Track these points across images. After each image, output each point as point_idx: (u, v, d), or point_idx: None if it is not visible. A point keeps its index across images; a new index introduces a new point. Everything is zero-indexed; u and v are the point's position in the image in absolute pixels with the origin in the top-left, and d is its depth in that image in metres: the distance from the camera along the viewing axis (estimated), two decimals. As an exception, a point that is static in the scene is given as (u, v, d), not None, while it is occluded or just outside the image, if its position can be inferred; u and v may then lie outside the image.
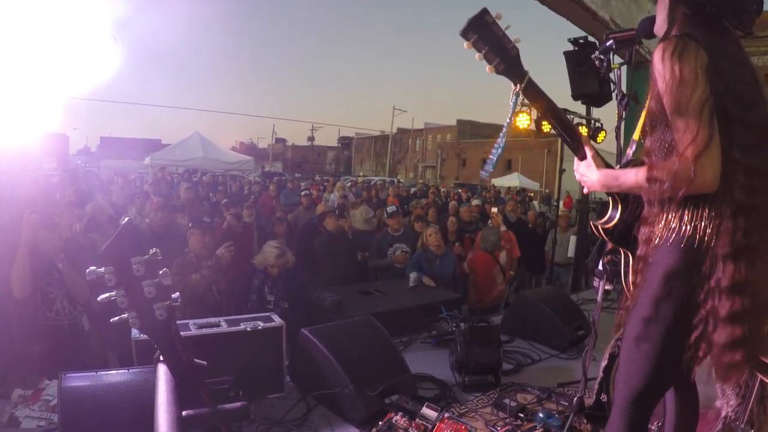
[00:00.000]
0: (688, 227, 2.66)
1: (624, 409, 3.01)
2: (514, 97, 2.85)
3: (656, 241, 2.82)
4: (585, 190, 3.23)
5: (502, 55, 2.71)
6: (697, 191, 2.56)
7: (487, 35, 2.66)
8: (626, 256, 3.25)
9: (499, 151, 3.19)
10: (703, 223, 2.62)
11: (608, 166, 3.04)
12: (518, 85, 2.82)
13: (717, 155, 2.51)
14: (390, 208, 10.50)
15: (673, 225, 2.72)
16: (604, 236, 3.27)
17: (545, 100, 2.95)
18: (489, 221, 11.91)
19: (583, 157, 3.06)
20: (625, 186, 2.85)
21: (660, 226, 2.80)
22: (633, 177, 2.78)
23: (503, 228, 11.49)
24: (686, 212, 2.68)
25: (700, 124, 2.50)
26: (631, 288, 3.14)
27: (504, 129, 3.21)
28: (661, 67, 2.63)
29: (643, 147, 3.04)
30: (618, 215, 3.13)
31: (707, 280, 2.60)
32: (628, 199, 3.11)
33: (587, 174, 3.03)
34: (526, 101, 2.99)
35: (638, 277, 2.98)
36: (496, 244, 9.81)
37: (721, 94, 2.57)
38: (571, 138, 3.07)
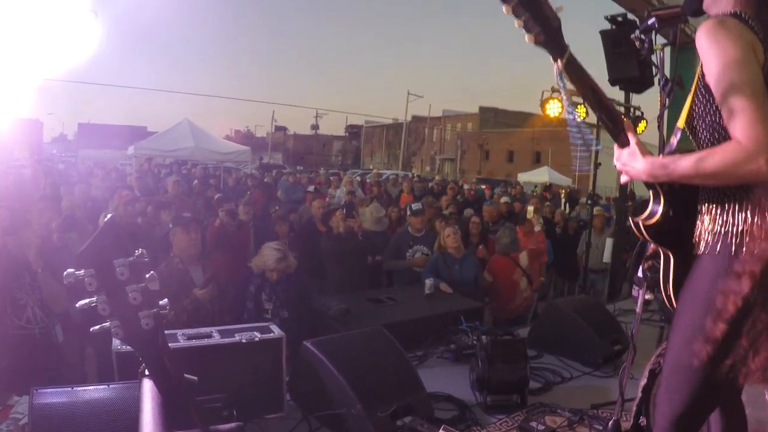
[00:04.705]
0: (735, 231, 2.68)
1: (666, 431, 3.02)
2: (559, 75, 2.85)
3: (699, 248, 2.84)
4: (623, 179, 3.21)
5: (544, 25, 2.71)
6: (751, 178, 2.57)
7: (529, 1, 2.67)
8: (666, 258, 3.24)
9: (578, 136, 3.19)
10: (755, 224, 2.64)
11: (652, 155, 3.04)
12: (559, 61, 2.82)
13: None
14: (415, 205, 10.52)
15: (718, 229, 2.74)
16: (645, 234, 3.25)
17: (587, 79, 2.95)
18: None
19: (625, 144, 3.06)
20: (674, 174, 2.81)
21: (703, 229, 2.82)
22: (683, 164, 2.76)
23: (537, 228, 11.50)
24: (734, 213, 2.70)
25: (748, 101, 2.51)
26: (671, 295, 3.14)
27: (569, 117, 3.21)
28: (701, 47, 2.68)
29: (687, 137, 3.05)
30: (661, 209, 3.10)
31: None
32: (673, 190, 3.10)
33: (630, 163, 3.02)
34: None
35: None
36: (510, 246, 9.81)
37: None
38: (614, 123, 3.06)
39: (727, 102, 2.58)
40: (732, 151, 2.54)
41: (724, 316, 2.66)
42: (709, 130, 2.83)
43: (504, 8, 2.64)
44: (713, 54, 2.62)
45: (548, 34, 2.72)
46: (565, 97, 3.05)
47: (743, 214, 2.69)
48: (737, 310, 2.62)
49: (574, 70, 2.87)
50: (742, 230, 2.67)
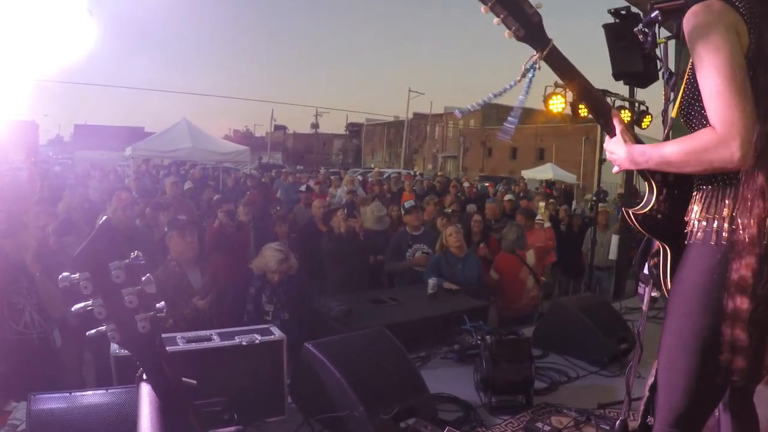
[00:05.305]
0: (721, 222, 2.70)
1: None
2: (531, 63, 2.87)
3: (687, 239, 2.87)
4: (614, 169, 3.24)
5: (523, 21, 2.74)
6: (724, 165, 2.58)
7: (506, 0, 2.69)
8: (664, 251, 3.24)
9: (518, 113, 3.18)
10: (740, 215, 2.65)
11: (639, 142, 3.05)
12: (540, 52, 2.84)
13: (747, 123, 2.50)
14: (408, 203, 10.47)
15: (705, 219, 2.76)
16: (636, 225, 3.25)
17: (572, 71, 2.97)
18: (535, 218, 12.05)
19: (613, 134, 3.08)
20: (653, 161, 2.85)
21: (691, 219, 2.84)
22: (659, 150, 2.80)
23: (547, 225, 11.52)
24: (719, 203, 2.72)
25: (723, 85, 2.53)
26: (670, 288, 3.14)
27: (518, 86, 3.19)
28: (685, 32, 2.72)
29: (680, 126, 3.07)
30: (653, 199, 3.12)
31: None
32: (667, 180, 3.11)
33: (615, 151, 3.05)
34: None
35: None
36: (516, 243, 9.80)
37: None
38: (601, 114, 3.09)
39: (704, 87, 2.61)
40: (705, 138, 2.58)
41: (706, 308, 2.67)
42: (697, 117, 2.84)
43: (482, 8, 2.67)
44: (694, 38, 2.65)
45: (528, 29, 2.75)
46: (526, 87, 3.05)
47: (727, 202, 2.69)
48: (750, 308, 2.62)
49: (558, 63, 2.90)
50: (725, 219, 2.68)
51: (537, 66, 2.87)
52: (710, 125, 2.57)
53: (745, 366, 2.66)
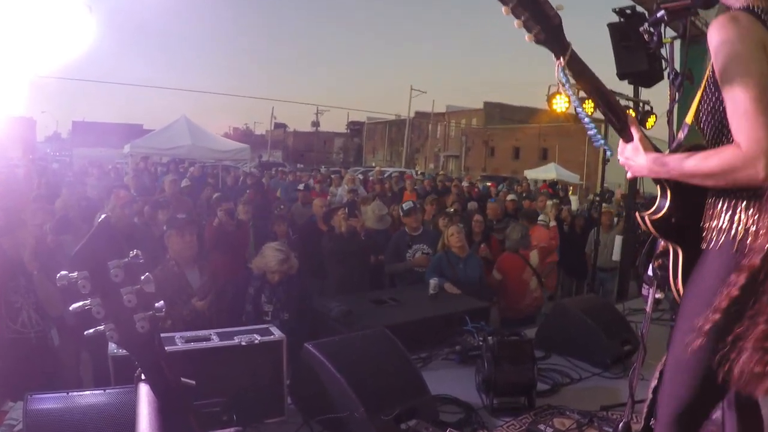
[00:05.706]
0: (741, 228, 2.71)
1: (669, 428, 3.06)
2: (561, 71, 2.86)
3: (706, 244, 2.88)
4: (629, 175, 3.24)
5: (543, 24, 2.72)
6: (747, 182, 2.60)
7: (528, 1, 2.67)
8: (675, 253, 3.25)
9: (591, 127, 3.21)
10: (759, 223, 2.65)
11: (656, 150, 3.05)
12: (561, 58, 2.83)
13: None
14: (406, 205, 10.46)
15: (725, 225, 2.77)
16: (652, 229, 3.27)
17: (589, 75, 2.96)
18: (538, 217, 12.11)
19: (629, 139, 3.08)
20: (674, 173, 2.87)
21: (710, 225, 2.85)
22: (683, 163, 2.81)
23: (553, 224, 11.51)
24: (741, 210, 2.73)
25: (751, 103, 2.53)
26: (680, 289, 3.17)
27: (578, 111, 3.24)
28: (711, 43, 2.71)
29: (695, 132, 3.07)
30: (667, 204, 3.13)
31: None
32: (681, 185, 3.11)
33: (633, 158, 3.05)
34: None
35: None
36: (520, 242, 9.79)
37: None
38: (617, 118, 3.08)
39: (730, 103, 2.62)
40: (730, 155, 2.59)
41: (718, 308, 2.68)
42: (716, 127, 2.86)
43: (503, 9, 2.65)
44: (722, 52, 2.65)
45: (548, 32, 2.73)
46: (571, 93, 3.06)
47: (750, 212, 2.71)
48: (731, 300, 2.63)
49: (576, 67, 2.88)
50: (748, 228, 2.69)
51: (567, 73, 2.86)
52: (733, 142, 2.58)
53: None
